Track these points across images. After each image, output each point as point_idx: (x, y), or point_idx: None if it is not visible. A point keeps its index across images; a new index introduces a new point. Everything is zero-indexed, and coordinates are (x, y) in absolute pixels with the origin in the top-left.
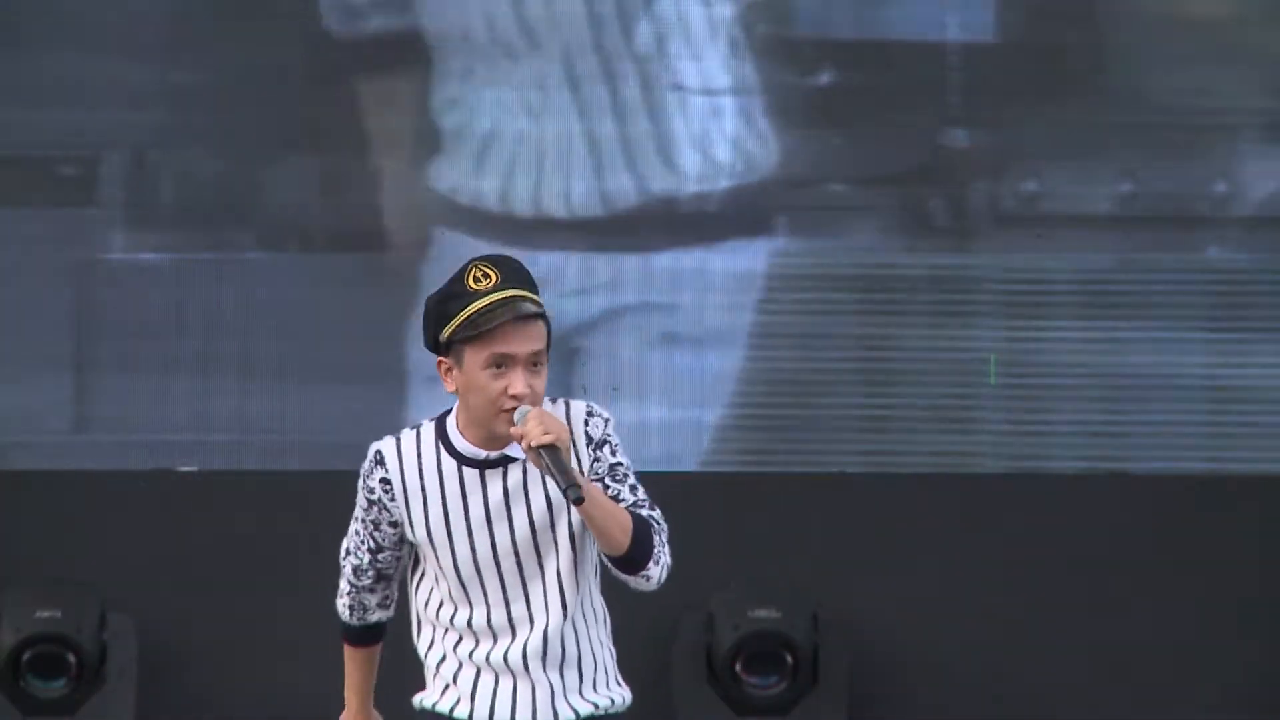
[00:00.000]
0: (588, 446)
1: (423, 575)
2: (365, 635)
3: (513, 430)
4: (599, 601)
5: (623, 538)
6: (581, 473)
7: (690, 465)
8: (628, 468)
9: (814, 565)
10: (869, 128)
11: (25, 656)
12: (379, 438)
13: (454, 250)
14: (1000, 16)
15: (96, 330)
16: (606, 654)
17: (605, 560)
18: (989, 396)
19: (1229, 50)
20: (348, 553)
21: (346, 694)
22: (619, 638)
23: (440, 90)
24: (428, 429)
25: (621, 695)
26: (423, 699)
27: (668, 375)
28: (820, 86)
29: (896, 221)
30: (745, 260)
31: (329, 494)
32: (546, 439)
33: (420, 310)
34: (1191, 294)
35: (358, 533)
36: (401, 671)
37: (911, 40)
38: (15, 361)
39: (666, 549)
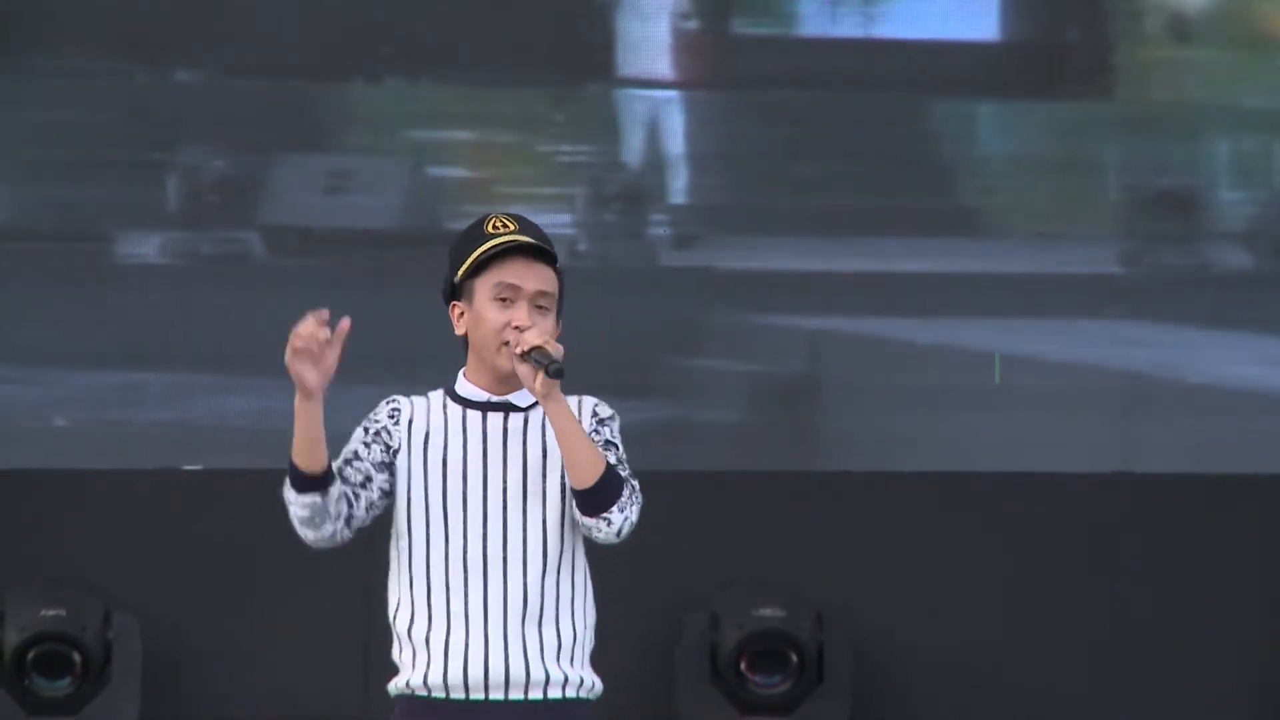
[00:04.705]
0: (591, 418)
1: (401, 546)
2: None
3: (505, 337)
4: (588, 584)
5: (592, 471)
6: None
7: (694, 465)
8: (621, 454)
9: (818, 564)
10: (867, 126)
11: (30, 655)
12: None
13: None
14: (1002, 15)
15: (102, 329)
16: (588, 635)
17: (573, 499)
18: (993, 395)
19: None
20: None
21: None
22: (623, 637)
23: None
24: (437, 391)
25: (594, 681)
26: (395, 682)
27: (672, 375)
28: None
29: (898, 221)
30: (748, 261)
31: None
32: (538, 341)
33: (426, 309)
34: (1195, 293)
35: (344, 455)
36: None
37: (912, 39)
38: (21, 360)
39: (634, 510)
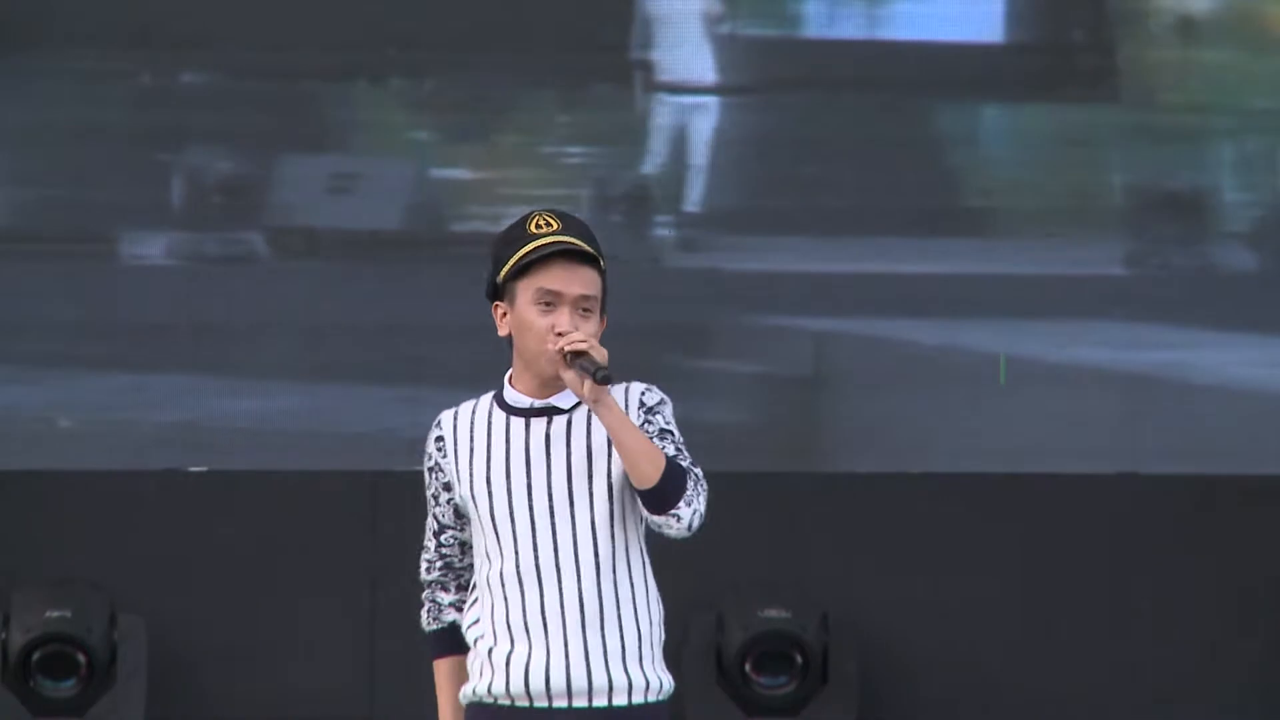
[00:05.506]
0: (639, 409)
1: (477, 562)
2: (444, 641)
3: (549, 342)
4: (648, 580)
5: (653, 470)
6: None
7: (699, 465)
8: (678, 439)
9: (823, 565)
10: (874, 128)
11: (35, 656)
12: (389, 437)
13: (464, 249)
14: (1007, 17)
15: (108, 330)
16: (655, 633)
17: (638, 499)
18: (998, 396)
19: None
20: (424, 560)
21: (440, 716)
22: None
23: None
24: (488, 394)
25: (664, 680)
26: (464, 691)
27: (677, 376)
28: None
29: (902, 222)
30: (753, 262)
31: (341, 493)
32: (581, 345)
33: (431, 311)
34: (1200, 295)
35: (428, 522)
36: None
37: (916, 41)
38: (26, 361)
39: (701, 499)
